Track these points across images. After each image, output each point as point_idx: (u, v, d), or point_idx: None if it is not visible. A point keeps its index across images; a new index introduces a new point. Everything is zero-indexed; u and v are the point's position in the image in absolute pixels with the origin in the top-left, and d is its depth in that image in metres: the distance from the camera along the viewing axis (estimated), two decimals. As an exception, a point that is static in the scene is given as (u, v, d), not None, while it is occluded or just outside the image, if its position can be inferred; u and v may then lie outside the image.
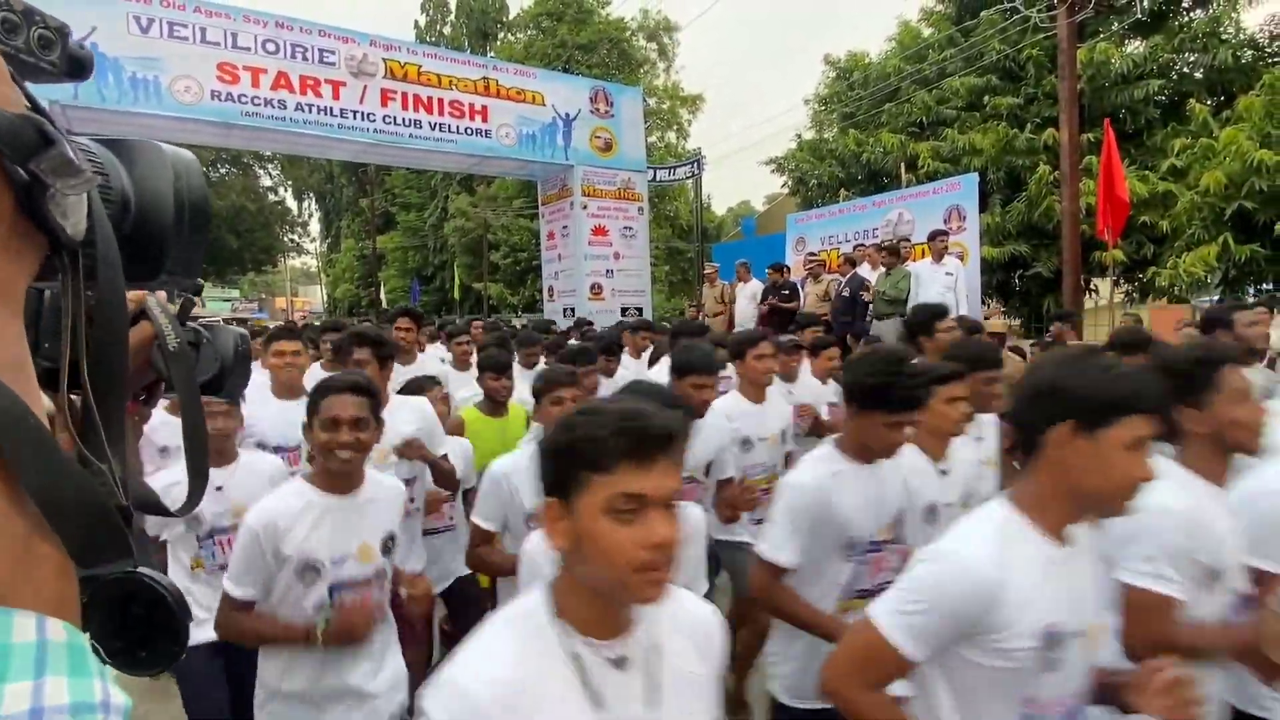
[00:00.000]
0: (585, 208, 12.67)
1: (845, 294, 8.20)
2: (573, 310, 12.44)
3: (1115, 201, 8.20)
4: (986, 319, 8.20)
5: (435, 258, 33.01)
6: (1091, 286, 14.03)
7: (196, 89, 9.37)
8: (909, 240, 9.03)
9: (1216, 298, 12.96)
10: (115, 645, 0.49)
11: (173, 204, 0.51)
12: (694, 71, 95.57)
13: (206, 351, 0.62)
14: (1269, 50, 14.15)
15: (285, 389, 3.49)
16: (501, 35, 33.85)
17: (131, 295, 0.55)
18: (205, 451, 0.51)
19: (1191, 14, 14.80)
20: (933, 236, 8.08)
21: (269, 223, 39.74)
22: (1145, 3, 13.12)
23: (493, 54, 29.79)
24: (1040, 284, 13.89)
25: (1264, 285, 11.87)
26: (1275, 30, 14.07)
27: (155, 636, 0.45)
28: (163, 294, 0.62)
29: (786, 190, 21.63)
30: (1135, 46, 14.66)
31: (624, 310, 12.51)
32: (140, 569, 0.43)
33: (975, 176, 10.24)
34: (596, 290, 12.75)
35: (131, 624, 0.44)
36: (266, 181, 41.01)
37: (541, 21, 29.16)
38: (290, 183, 43.74)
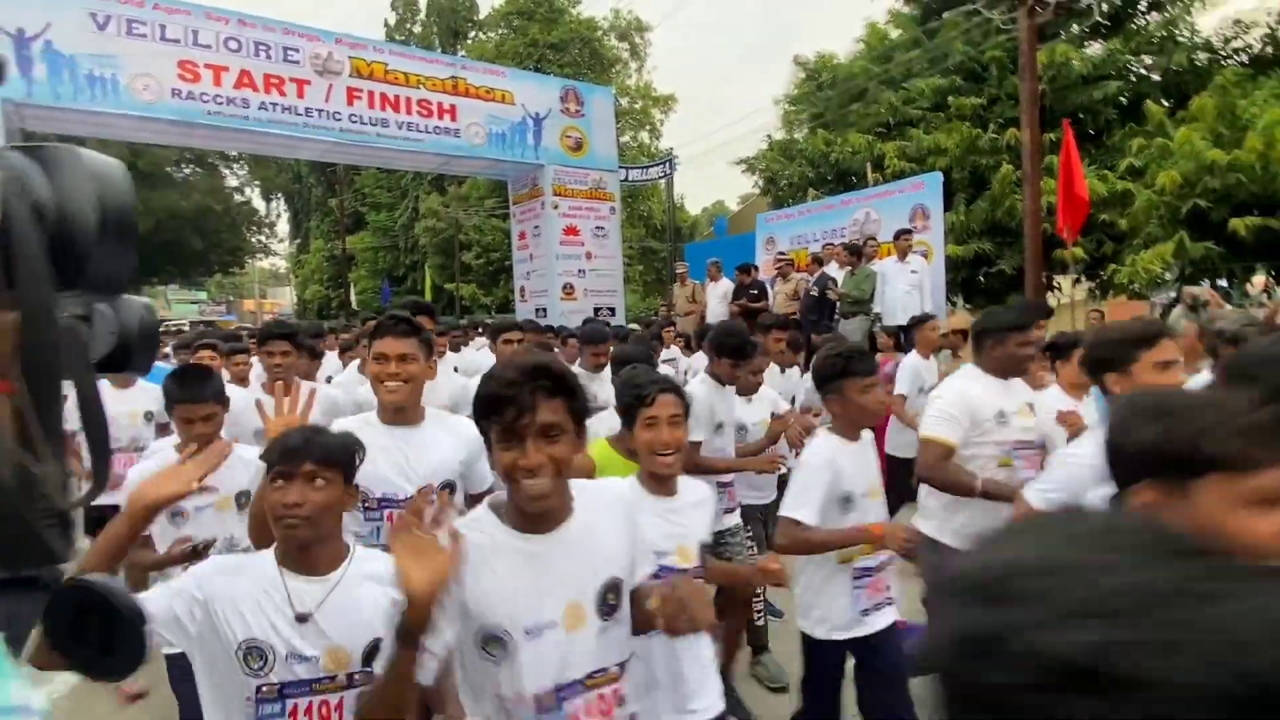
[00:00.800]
0: (556, 207, 12.63)
1: (814, 293, 8.28)
2: (545, 310, 12.40)
3: (1075, 200, 8.35)
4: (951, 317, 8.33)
5: (406, 258, 32.65)
6: (1054, 283, 14.30)
7: (156, 87, 9.19)
8: (875, 239, 9.14)
9: (1173, 293, 13.32)
10: (80, 653, 0.48)
11: (95, 214, 0.48)
12: (667, 71, 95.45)
13: (99, 325, 0.56)
14: (1222, 53, 14.55)
15: (392, 413, 2.28)
16: (473, 34, 33.63)
17: None
18: (105, 432, 0.48)
19: (1148, 17, 15.17)
20: (897, 235, 8.19)
21: (235, 224, 39.00)
22: (1103, 6, 13.42)
23: (463, 53, 29.60)
24: (1004, 281, 14.12)
25: (1218, 281, 12.20)
26: (1228, 34, 14.49)
27: (116, 644, 0.45)
28: None
29: (758, 190, 21.75)
30: (1094, 49, 14.98)
31: (596, 310, 12.50)
32: (88, 578, 0.42)
33: (939, 176, 10.41)
34: (569, 290, 12.71)
35: (91, 633, 0.43)
36: (233, 182, 40.28)
37: (512, 20, 29.04)
38: (257, 183, 42.95)
